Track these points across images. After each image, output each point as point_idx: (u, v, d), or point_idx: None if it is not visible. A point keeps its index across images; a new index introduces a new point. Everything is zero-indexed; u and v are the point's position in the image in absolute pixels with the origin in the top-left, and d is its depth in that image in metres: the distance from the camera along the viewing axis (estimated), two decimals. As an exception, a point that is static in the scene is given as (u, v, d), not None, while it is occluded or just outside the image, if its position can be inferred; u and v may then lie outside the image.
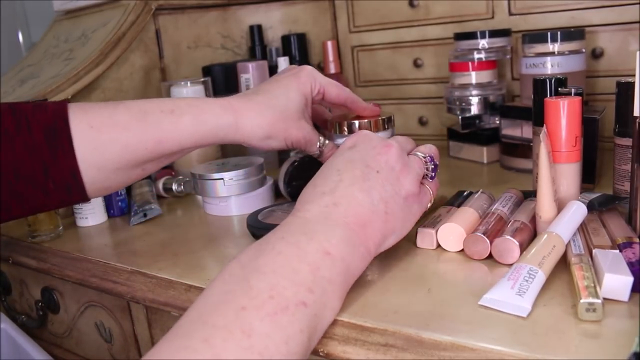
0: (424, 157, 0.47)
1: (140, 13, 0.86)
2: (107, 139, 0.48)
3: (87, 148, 0.47)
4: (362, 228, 0.40)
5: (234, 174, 0.64)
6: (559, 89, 0.54)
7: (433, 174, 0.48)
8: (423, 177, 0.47)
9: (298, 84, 0.54)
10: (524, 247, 0.43)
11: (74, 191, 0.48)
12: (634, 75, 0.45)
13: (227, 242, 0.56)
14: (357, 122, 0.58)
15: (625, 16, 0.72)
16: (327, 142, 0.57)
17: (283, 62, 0.87)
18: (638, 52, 0.44)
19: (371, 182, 0.42)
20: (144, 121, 0.49)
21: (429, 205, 0.47)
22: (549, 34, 0.68)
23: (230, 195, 0.65)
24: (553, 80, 0.54)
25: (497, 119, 0.76)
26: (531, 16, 0.79)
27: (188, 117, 0.49)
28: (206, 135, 0.50)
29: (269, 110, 0.52)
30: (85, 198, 0.49)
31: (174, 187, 0.74)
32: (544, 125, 0.47)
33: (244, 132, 0.51)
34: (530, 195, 0.53)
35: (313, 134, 0.55)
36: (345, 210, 0.40)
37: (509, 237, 0.43)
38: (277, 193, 0.69)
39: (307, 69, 0.56)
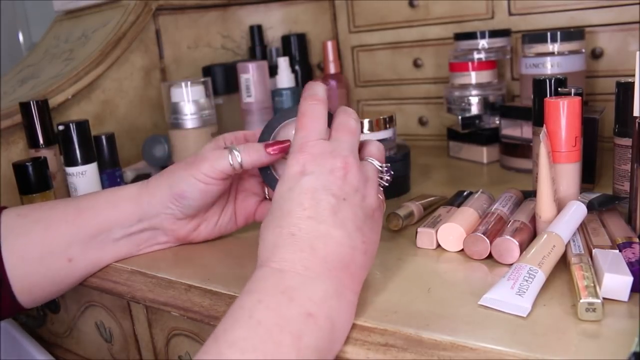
0: (381, 167, 0.43)
1: (140, 13, 0.86)
2: (32, 220, 0.49)
3: (12, 234, 0.48)
4: (345, 271, 0.37)
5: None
6: (559, 89, 0.54)
7: (387, 183, 0.44)
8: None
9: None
10: (523, 247, 0.43)
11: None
12: (633, 76, 0.45)
13: (227, 241, 0.56)
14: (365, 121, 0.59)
15: (624, 16, 0.72)
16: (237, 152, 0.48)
17: (283, 62, 0.87)
18: (638, 52, 0.44)
19: (343, 213, 0.38)
20: (68, 200, 0.52)
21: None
22: (548, 34, 0.68)
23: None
24: (553, 81, 0.54)
25: (497, 119, 0.76)
26: (531, 16, 0.79)
27: (107, 191, 0.52)
28: (122, 199, 0.50)
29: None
30: (15, 302, 0.48)
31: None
32: (544, 125, 0.47)
33: (153, 187, 0.50)
34: (530, 195, 0.53)
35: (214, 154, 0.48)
36: (325, 255, 0.37)
37: (508, 237, 0.43)
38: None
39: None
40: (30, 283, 0.49)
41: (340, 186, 0.39)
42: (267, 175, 0.49)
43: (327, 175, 0.39)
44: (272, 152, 0.47)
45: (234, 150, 0.48)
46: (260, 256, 0.38)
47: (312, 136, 0.41)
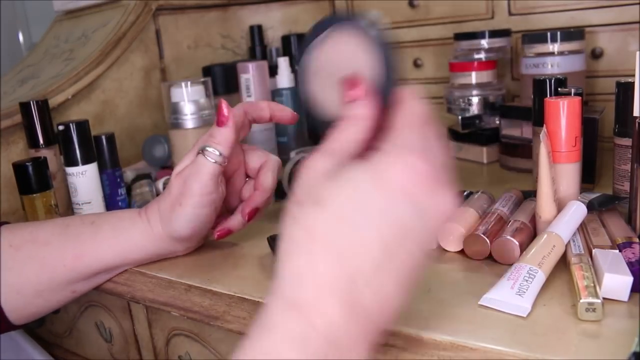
0: None
1: (140, 13, 0.86)
2: (25, 257, 0.45)
3: (5, 268, 0.45)
4: (379, 334, 0.29)
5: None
6: (559, 89, 0.54)
7: None
8: None
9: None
10: (523, 247, 0.43)
11: None
12: (633, 76, 0.45)
13: (227, 241, 0.56)
14: None
15: (624, 16, 0.72)
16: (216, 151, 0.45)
17: (283, 62, 0.87)
18: (638, 52, 0.44)
19: (416, 271, 0.29)
20: (64, 234, 0.47)
21: None
22: (548, 34, 0.68)
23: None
24: (553, 81, 0.54)
25: (497, 119, 0.76)
26: (531, 16, 0.79)
27: (107, 226, 0.48)
28: (127, 244, 0.48)
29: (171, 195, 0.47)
30: (10, 326, 0.47)
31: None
32: (544, 125, 0.47)
33: (159, 225, 0.47)
34: (530, 195, 0.53)
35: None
36: (374, 317, 0.28)
37: (509, 237, 0.43)
38: (278, 194, 0.68)
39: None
40: (28, 312, 0.48)
41: (430, 239, 0.29)
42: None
43: (432, 221, 0.28)
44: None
45: (206, 149, 0.45)
46: (293, 284, 0.28)
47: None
